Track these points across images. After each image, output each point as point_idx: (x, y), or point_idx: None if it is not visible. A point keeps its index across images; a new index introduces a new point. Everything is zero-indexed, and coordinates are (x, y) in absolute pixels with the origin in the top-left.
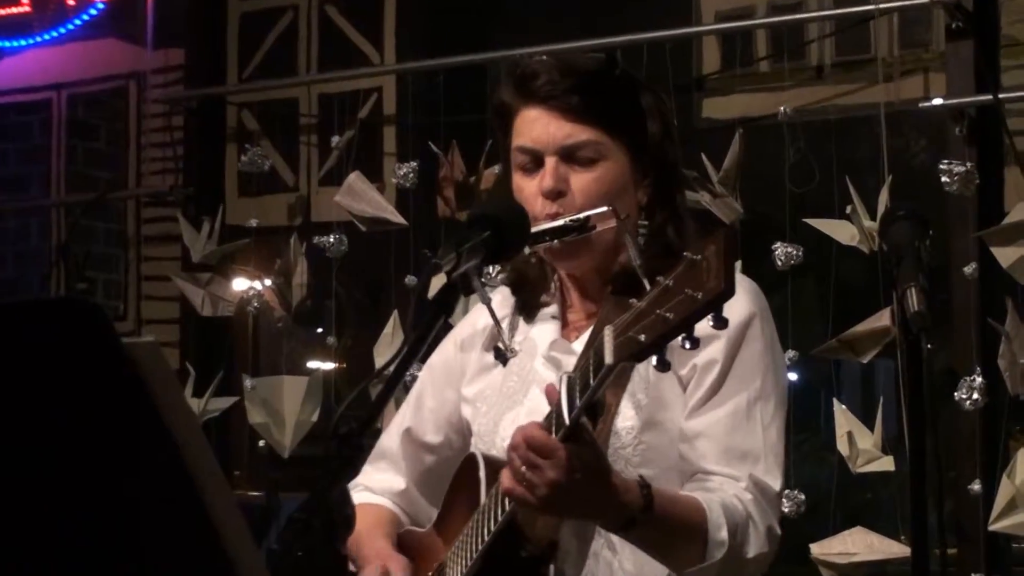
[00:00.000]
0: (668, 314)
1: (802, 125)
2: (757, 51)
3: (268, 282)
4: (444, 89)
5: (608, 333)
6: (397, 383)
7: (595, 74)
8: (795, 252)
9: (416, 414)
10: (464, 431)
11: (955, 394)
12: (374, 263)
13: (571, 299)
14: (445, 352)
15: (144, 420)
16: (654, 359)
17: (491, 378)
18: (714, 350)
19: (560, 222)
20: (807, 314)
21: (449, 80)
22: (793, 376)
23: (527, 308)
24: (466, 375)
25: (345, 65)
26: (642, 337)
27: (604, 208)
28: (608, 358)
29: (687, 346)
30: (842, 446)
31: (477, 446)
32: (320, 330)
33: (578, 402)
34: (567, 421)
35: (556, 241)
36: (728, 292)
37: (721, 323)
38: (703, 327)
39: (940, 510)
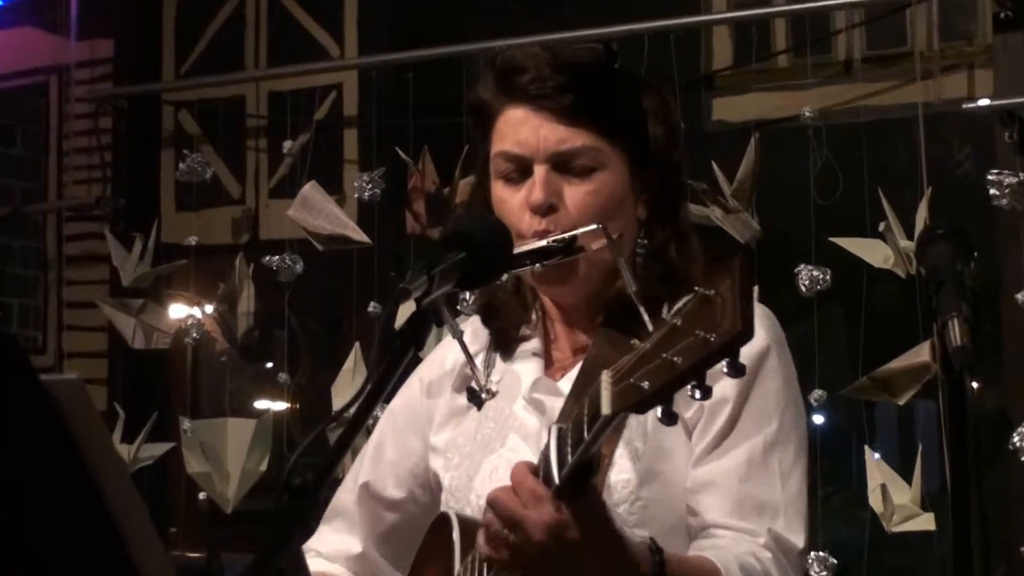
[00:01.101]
0: (676, 358)
1: (828, 129)
2: (776, 43)
3: (209, 309)
4: (414, 87)
5: (606, 379)
6: (359, 428)
7: (592, 69)
8: (821, 276)
9: (375, 466)
10: (432, 485)
11: (1011, 441)
12: (332, 288)
13: (555, 332)
14: (409, 394)
15: (66, 469)
16: (658, 410)
17: (464, 424)
18: (724, 387)
19: (543, 242)
20: (835, 348)
21: (419, 76)
22: (819, 419)
23: (504, 342)
24: (434, 421)
25: (299, 59)
26: (645, 385)
27: (593, 226)
28: (606, 408)
29: (697, 396)
30: (875, 501)
31: (448, 503)
32: (270, 365)
33: (570, 458)
34: (556, 480)
35: (538, 265)
36: (746, 334)
37: (737, 371)
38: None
39: None
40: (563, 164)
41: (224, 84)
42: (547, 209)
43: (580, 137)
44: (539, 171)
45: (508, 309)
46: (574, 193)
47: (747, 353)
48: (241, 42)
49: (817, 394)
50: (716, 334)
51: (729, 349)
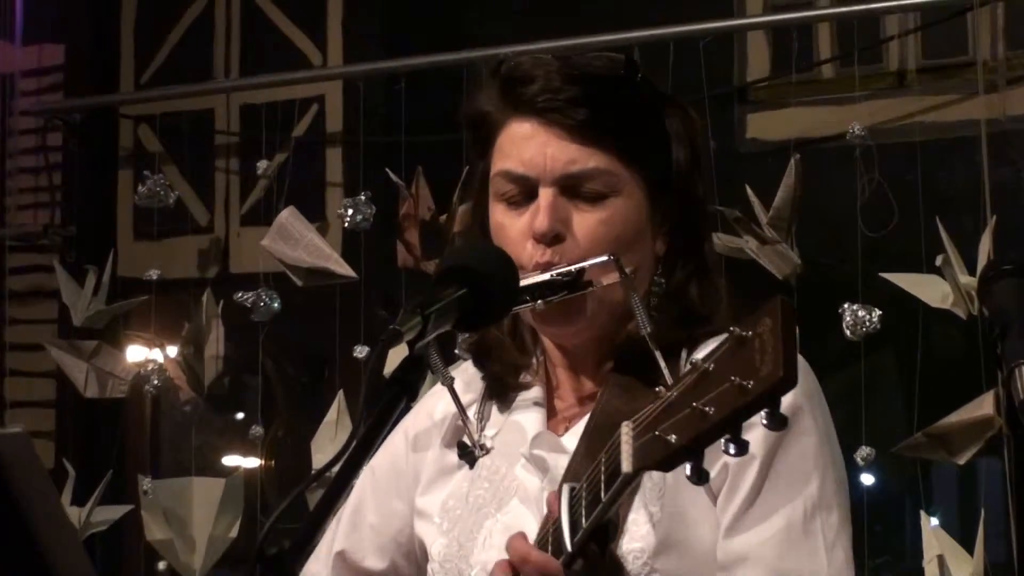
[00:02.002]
0: (708, 408)
1: (878, 148)
2: (819, 52)
3: (173, 353)
4: (406, 99)
5: (627, 432)
6: (343, 489)
7: (609, 81)
8: (868, 317)
9: (352, 533)
10: (417, 555)
11: None
12: (313, 329)
13: (559, 379)
14: (392, 450)
15: (8, 533)
16: (687, 467)
17: (454, 484)
18: (751, 443)
19: (545, 276)
20: (885, 400)
21: (413, 87)
22: (868, 481)
23: (501, 391)
24: (421, 481)
25: (276, 67)
26: (672, 438)
27: (604, 258)
28: (626, 465)
29: (731, 451)
30: (932, 574)
31: (436, 574)
32: (241, 416)
33: (584, 523)
34: (569, 547)
35: (540, 302)
36: (788, 381)
37: (777, 423)
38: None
39: None
40: (572, 188)
41: (190, 96)
42: (552, 238)
43: (593, 158)
44: (545, 195)
45: (505, 352)
46: (583, 221)
47: None
48: (210, 48)
49: (865, 452)
50: (754, 381)
51: (769, 398)
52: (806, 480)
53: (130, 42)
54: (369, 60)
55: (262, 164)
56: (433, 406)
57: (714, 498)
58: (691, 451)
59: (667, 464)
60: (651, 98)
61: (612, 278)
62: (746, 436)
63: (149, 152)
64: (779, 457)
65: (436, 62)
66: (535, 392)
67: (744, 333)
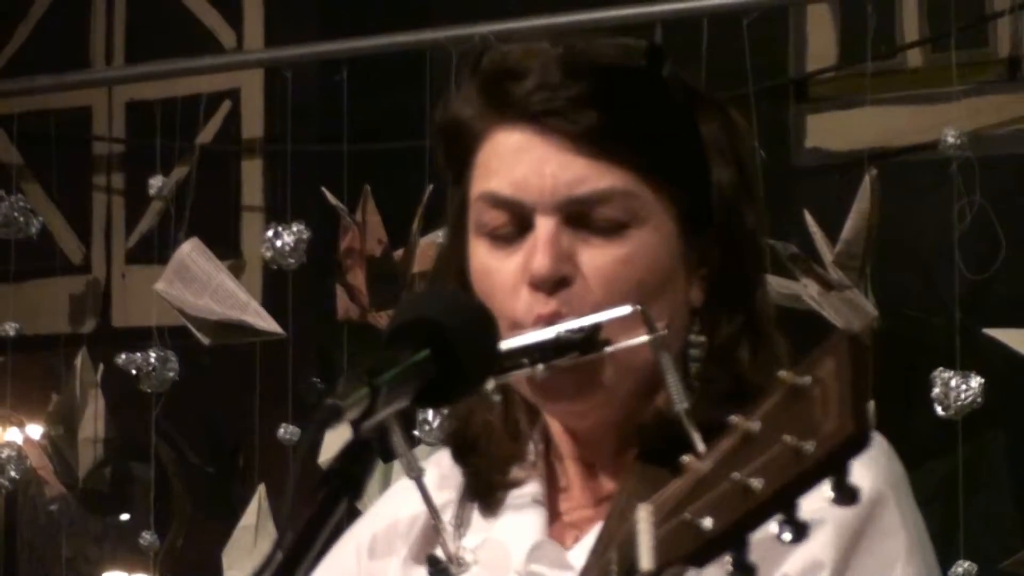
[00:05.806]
0: (753, 480)
1: (982, 162)
2: (904, 32)
3: (36, 434)
4: (349, 95)
5: (644, 516)
6: None
7: (626, 74)
8: (967, 387)
9: None
10: None
11: None
12: (224, 402)
13: (566, 473)
14: (338, 565)
15: None
16: (727, 562)
17: None
18: (817, 547)
19: (550, 333)
20: (989, 499)
21: (358, 79)
22: None
23: (487, 487)
24: None
25: (175, 52)
26: (706, 523)
27: (626, 309)
28: (646, 561)
29: (786, 537)
30: None
31: None
32: (127, 518)
33: None
34: None
35: (541, 366)
36: (860, 439)
37: (846, 496)
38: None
39: None
40: (580, 216)
41: (59, 90)
42: (556, 283)
43: (607, 176)
44: (544, 225)
45: (492, 439)
46: (596, 259)
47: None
48: (86, 28)
49: (963, 568)
50: (816, 441)
51: (835, 463)
52: None
53: None
54: (300, 42)
55: (156, 181)
56: (397, 506)
57: None
58: (733, 539)
59: (701, 557)
60: (683, 98)
61: (636, 336)
62: (809, 543)
63: (3, 164)
64: (856, 565)
65: (389, 45)
66: (533, 488)
67: (799, 380)
